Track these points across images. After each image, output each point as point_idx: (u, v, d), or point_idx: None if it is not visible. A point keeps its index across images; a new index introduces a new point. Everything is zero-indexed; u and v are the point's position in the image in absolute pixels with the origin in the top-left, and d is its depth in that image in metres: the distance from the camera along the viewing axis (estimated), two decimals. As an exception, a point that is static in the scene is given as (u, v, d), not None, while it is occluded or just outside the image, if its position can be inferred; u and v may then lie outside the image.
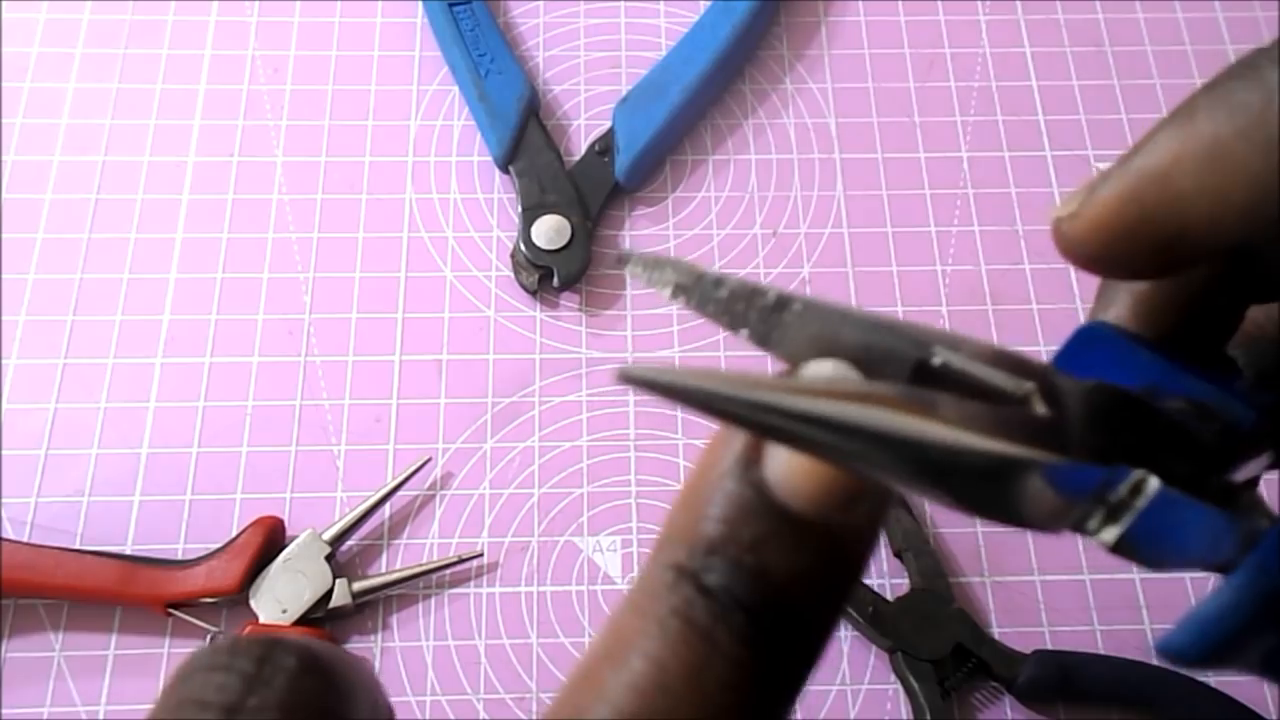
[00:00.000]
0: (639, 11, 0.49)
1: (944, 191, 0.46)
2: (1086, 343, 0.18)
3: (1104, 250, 0.16)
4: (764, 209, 0.45)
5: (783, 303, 0.16)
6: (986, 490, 0.15)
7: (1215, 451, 0.16)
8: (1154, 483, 0.15)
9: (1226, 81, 0.15)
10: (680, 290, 0.17)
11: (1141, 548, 0.15)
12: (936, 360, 0.15)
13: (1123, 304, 0.18)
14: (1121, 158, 0.16)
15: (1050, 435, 0.15)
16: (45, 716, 0.36)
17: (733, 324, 0.17)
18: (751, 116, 0.47)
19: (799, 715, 0.37)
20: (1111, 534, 0.15)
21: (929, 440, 0.14)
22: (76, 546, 0.38)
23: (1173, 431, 0.16)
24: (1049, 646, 0.38)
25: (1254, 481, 0.17)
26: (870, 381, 0.15)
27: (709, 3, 0.47)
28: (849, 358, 0.16)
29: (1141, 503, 0.15)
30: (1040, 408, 0.15)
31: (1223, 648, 0.15)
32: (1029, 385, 0.15)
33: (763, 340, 0.16)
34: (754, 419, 0.15)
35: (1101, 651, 0.38)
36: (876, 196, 0.45)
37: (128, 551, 0.38)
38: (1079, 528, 0.15)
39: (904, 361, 0.16)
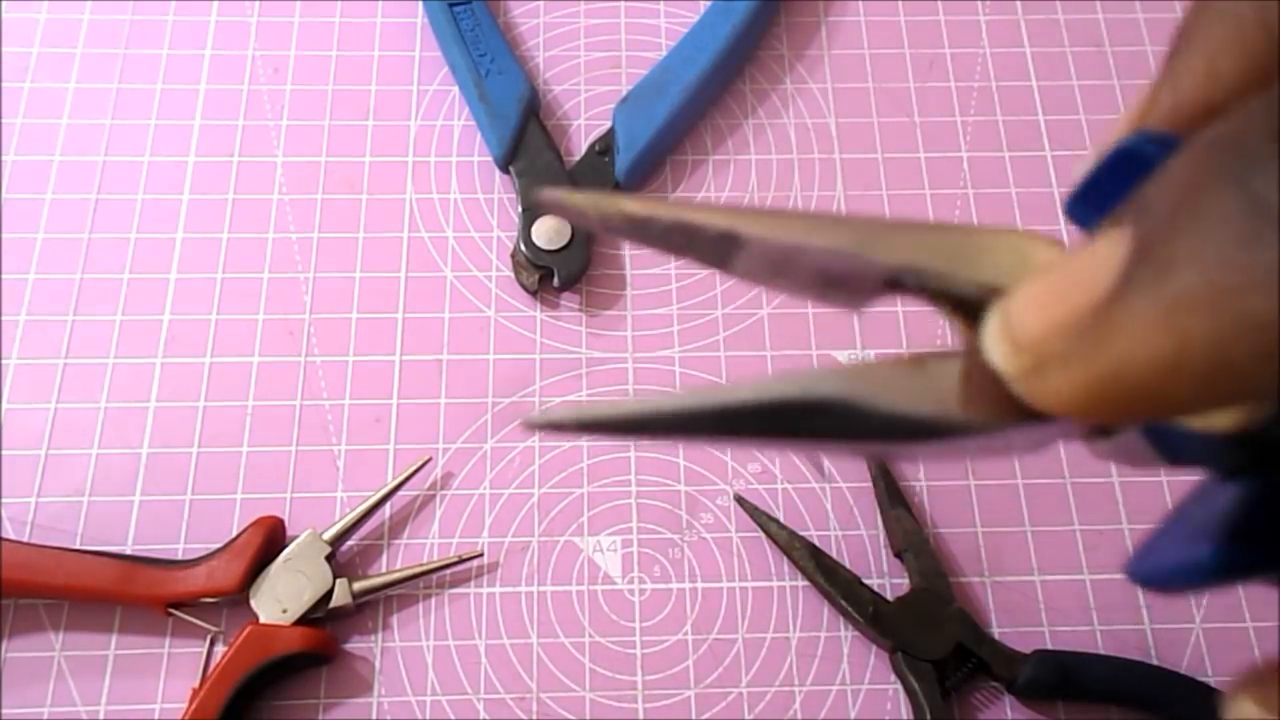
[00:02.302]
0: (639, 11, 0.49)
1: (944, 191, 0.46)
2: (1122, 167, 0.16)
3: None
4: (764, 209, 0.45)
5: (730, 237, 0.16)
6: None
7: None
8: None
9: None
10: (627, 225, 0.17)
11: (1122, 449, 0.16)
12: (902, 275, 0.16)
13: (1190, 83, 0.15)
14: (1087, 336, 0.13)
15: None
16: (45, 716, 0.36)
17: (680, 253, 0.17)
18: (751, 116, 0.47)
19: (798, 715, 0.37)
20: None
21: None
22: (77, 546, 0.38)
23: None
24: (1049, 646, 0.38)
25: None
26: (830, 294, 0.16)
27: (709, 3, 0.47)
28: (811, 273, 0.16)
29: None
30: None
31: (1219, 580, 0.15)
32: (995, 279, 0.15)
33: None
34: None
35: (1101, 651, 0.38)
36: (877, 197, 0.45)
37: (128, 551, 0.38)
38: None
39: (871, 279, 0.16)
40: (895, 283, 0.16)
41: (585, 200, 0.17)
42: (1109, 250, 0.13)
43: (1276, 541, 0.15)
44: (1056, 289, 0.13)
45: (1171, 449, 0.16)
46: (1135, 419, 0.14)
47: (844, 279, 0.16)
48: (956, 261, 0.16)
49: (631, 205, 0.17)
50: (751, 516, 0.39)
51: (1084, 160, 0.17)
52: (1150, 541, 0.17)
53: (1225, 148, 0.12)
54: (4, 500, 0.39)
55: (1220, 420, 0.15)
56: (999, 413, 0.15)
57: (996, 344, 0.14)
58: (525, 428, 0.15)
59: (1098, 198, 0.16)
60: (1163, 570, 0.16)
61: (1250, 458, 0.15)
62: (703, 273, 0.44)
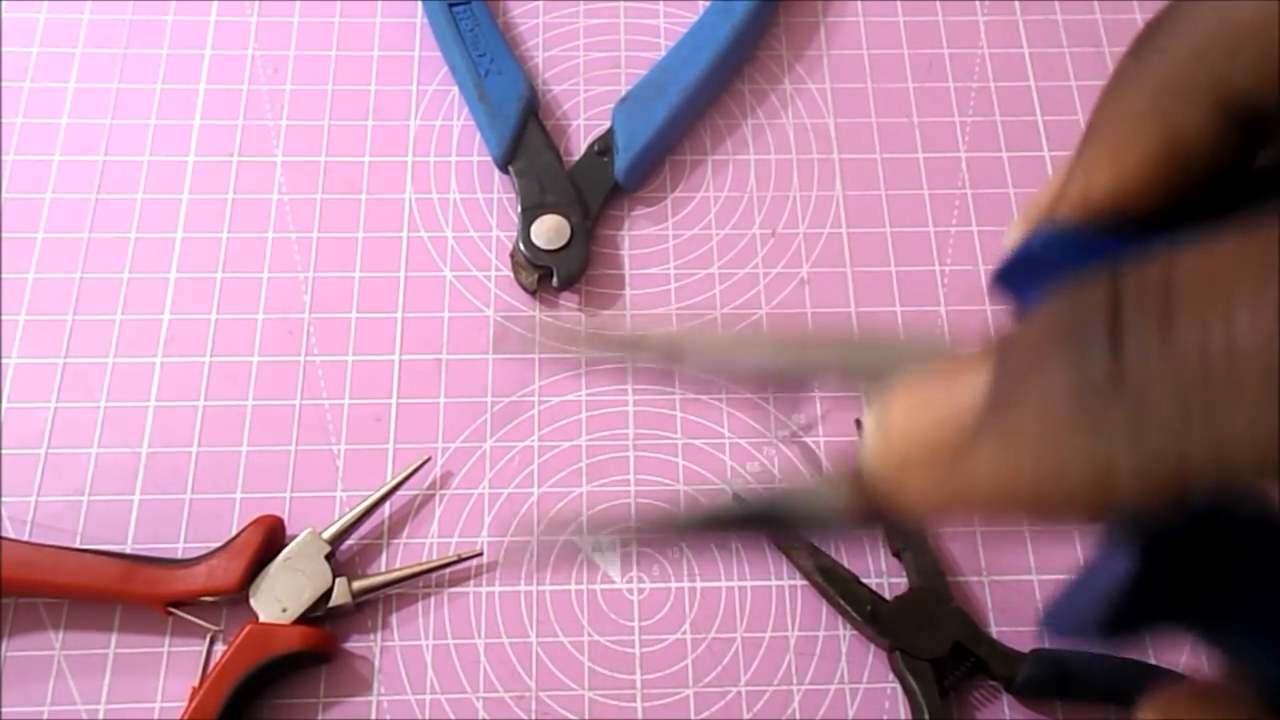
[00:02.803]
0: (638, 12, 0.49)
1: (943, 192, 0.46)
2: (1031, 260, 0.17)
3: None
4: (763, 209, 0.45)
5: (674, 352, 0.20)
6: None
7: None
8: None
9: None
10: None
11: None
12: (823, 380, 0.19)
13: (1096, 178, 0.16)
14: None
15: None
16: (45, 715, 0.37)
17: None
18: (750, 117, 0.47)
19: (797, 714, 0.37)
20: None
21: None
22: (76, 545, 0.38)
23: None
24: (1047, 645, 0.38)
25: None
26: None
27: (708, 3, 0.47)
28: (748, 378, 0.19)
29: None
30: None
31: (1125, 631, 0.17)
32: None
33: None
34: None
35: (1099, 651, 0.38)
36: (875, 197, 0.46)
37: (128, 550, 0.38)
38: None
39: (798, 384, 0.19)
40: (816, 382, 0.19)
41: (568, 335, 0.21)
42: (973, 381, 0.14)
43: (1155, 610, 0.16)
44: (927, 402, 0.15)
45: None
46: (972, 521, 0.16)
47: (776, 385, 0.19)
48: (869, 375, 0.18)
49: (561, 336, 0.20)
50: (750, 516, 0.39)
51: (1009, 230, 0.18)
52: (1063, 597, 0.19)
53: (1070, 320, 0.13)
54: (4, 499, 0.39)
55: None
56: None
57: (871, 439, 0.16)
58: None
59: (1014, 281, 0.17)
60: (1069, 631, 0.18)
61: (1139, 528, 0.17)
62: (702, 273, 0.44)
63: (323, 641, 0.37)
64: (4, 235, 0.44)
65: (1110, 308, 0.12)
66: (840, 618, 0.38)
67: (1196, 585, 0.16)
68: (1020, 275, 0.17)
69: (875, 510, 0.17)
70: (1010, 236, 0.18)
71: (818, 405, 0.42)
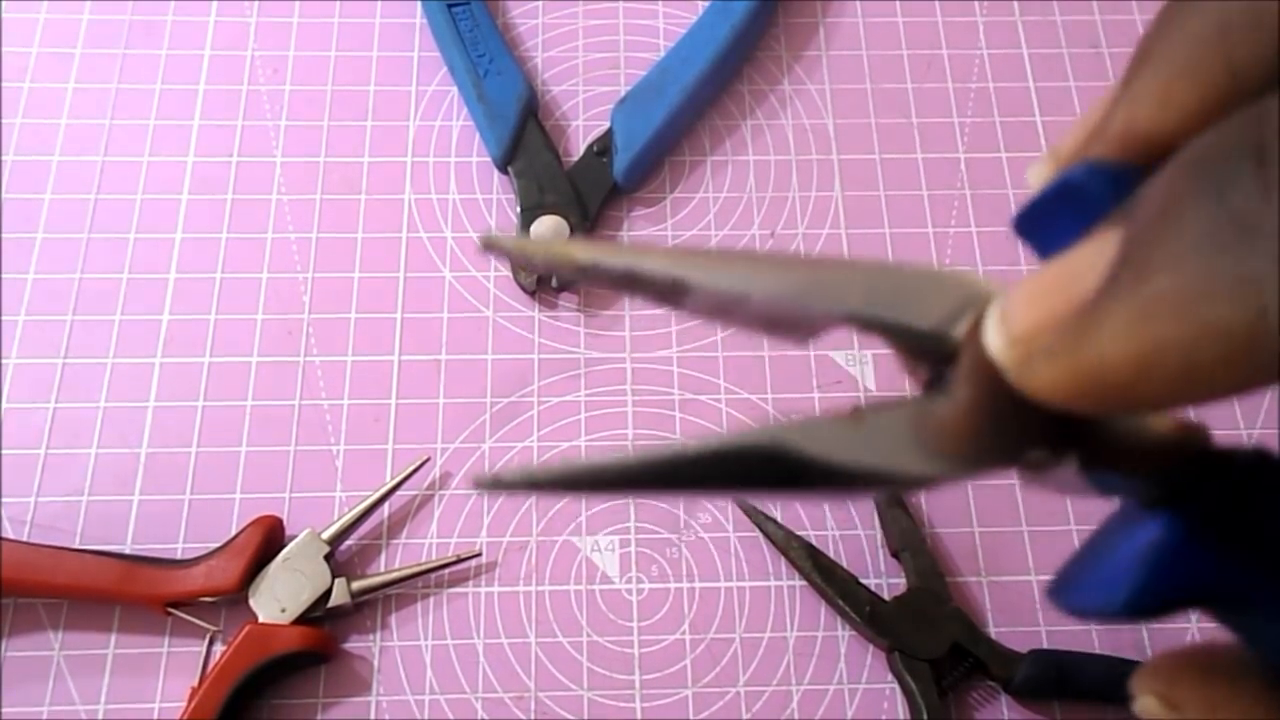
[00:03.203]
0: (637, 12, 0.49)
1: (942, 192, 0.46)
2: (1064, 200, 0.16)
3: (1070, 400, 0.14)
4: (762, 210, 0.45)
5: (678, 285, 0.17)
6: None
7: None
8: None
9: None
10: (580, 270, 0.17)
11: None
12: (854, 320, 0.16)
13: (1143, 113, 0.15)
14: (1074, 313, 0.14)
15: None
16: (45, 716, 0.37)
17: (634, 294, 0.17)
18: (750, 117, 0.47)
19: (795, 715, 0.37)
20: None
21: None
22: (76, 546, 0.38)
23: None
24: (1045, 646, 0.38)
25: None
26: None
27: (707, 4, 0.47)
28: (759, 314, 0.17)
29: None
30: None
31: (1145, 616, 0.16)
32: (946, 314, 0.16)
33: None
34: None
35: (1097, 651, 0.38)
36: (874, 197, 0.46)
37: (127, 551, 0.38)
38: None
39: (823, 316, 0.17)
40: (838, 324, 0.17)
41: (536, 247, 0.17)
42: (1096, 251, 0.13)
43: (1186, 584, 0.15)
44: (1048, 286, 0.14)
45: (1101, 484, 0.16)
46: (1114, 412, 0.14)
47: (788, 322, 0.17)
48: (899, 305, 0.16)
49: (581, 253, 0.17)
50: (749, 516, 0.39)
51: (1035, 165, 0.17)
52: (1074, 569, 0.17)
53: (1207, 160, 0.12)
54: (3, 500, 0.39)
55: (1158, 430, 0.16)
56: (977, 423, 0.15)
57: (993, 336, 0.15)
58: (474, 486, 0.16)
59: (1041, 222, 0.16)
60: (1085, 608, 0.17)
61: (1169, 491, 0.16)
62: (701, 273, 0.44)
63: (322, 642, 0.37)
64: (4, 235, 0.44)
65: (1255, 139, 0.12)
66: (839, 618, 0.38)
67: (1231, 558, 0.15)
68: (1050, 216, 0.16)
69: (992, 424, 0.15)
70: (1037, 174, 0.17)
71: (816, 406, 0.42)
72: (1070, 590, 0.17)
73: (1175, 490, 0.16)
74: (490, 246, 0.17)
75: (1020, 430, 0.15)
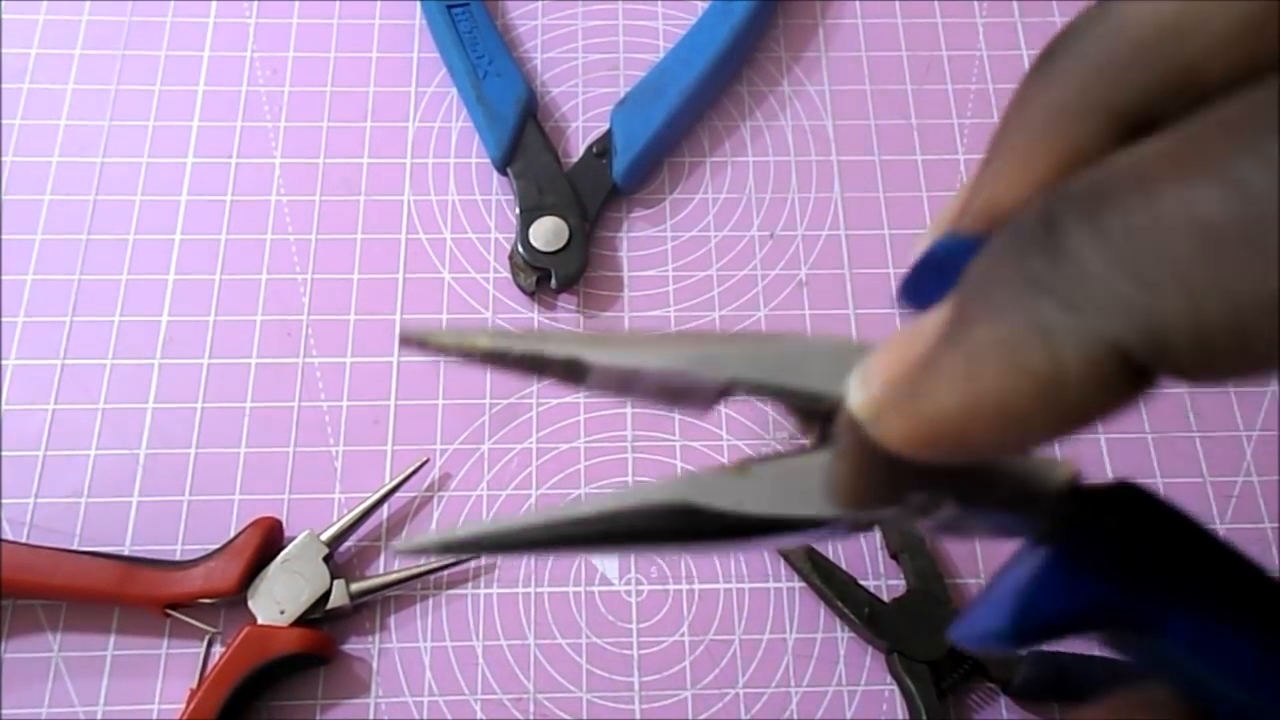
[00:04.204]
0: (637, 13, 0.49)
1: (941, 194, 0.46)
2: (936, 268, 0.18)
3: (916, 451, 0.16)
4: (761, 211, 0.45)
5: (575, 365, 0.18)
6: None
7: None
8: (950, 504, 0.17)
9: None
10: (489, 355, 0.19)
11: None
12: (735, 390, 0.18)
13: (999, 191, 0.17)
14: (908, 369, 0.15)
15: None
16: (44, 717, 0.37)
17: (537, 376, 0.19)
18: (749, 118, 0.47)
19: (795, 716, 0.37)
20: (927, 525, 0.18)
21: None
22: (75, 547, 0.38)
23: None
24: (1044, 647, 0.38)
25: None
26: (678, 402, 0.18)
27: (707, 5, 0.47)
28: (653, 387, 0.18)
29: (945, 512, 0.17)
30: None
31: (1032, 640, 0.17)
32: (832, 387, 0.18)
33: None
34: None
35: (1096, 652, 0.38)
36: (874, 198, 0.46)
37: (126, 552, 0.38)
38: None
39: (708, 390, 0.18)
40: (729, 392, 0.18)
41: (447, 336, 0.18)
42: (940, 313, 0.15)
43: (1064, 611, 0.17)
44: (898, 345, 0.16)
45: (994, 524, 0.18)
46: (959, 458, 0.15)
47: (681, 393, 0.18)
48: (782, 370, 0.18)
49: (485, 341, 0.18)
50: (748, 518, 0.39)
51: (918, 238, 0.19)
52: (971, 605, 0.19)
53: (1015, 229, 0.14)
54: (3, 501, 0.39)
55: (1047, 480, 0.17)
56: (861, 484, 0.17)
57: (854, 393, 0.16)
58: (397, 554, 0.17)
59: (916, 291, 0.18)
60: (973, 637, 0.18)
61: (1050, 527, 0.17)
62: (700, 275, 0.44)
63: (321, 643, 0.37)
64: (3, 236, 0.44)
65: (1047, 210, 0.14)
66: (838, 620, 0.38)
67: (1106, 586, 0.16)
68: (923, 284, 0.18)
69: (868, 472, 0.17)
70: (916, 248, 0.18)
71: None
72: (965, 623, 0.18)
73: (1055, 525, 0.17)
74: (406, 341, 0.18)
75: (897, 477, 0.17)
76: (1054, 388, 0.13)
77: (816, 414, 0.18)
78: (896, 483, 0.17)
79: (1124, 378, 0.13)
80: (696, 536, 0.17)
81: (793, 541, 0.17)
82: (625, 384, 0.18)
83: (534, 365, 0.18)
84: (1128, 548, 0.17)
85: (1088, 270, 0.13)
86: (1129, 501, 0.17)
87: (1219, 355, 0.12)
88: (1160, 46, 0.15)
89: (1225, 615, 0.16)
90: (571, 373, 0.18)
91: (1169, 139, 0.13)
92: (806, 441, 0.19)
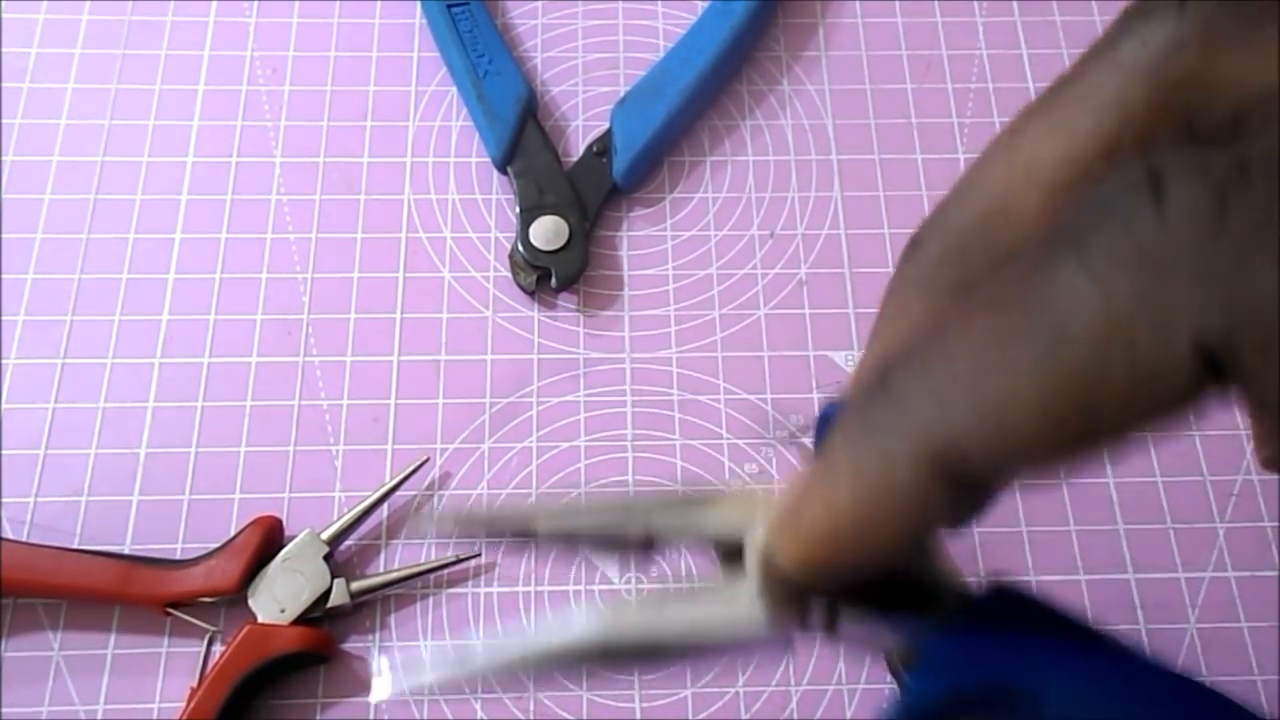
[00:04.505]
0: (637, 13, 0.49)
1: (941, 193, 0.45)
2: (824, 427, 0.22)
3: (816, 577, 0.19)
4: (761, 210, 0.45)
5: (526, 526, 0.22)
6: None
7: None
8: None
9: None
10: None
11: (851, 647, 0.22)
12: (656, 540, 0.22)
13: (873, 353, 0.21)
14: (792, 500, 0.18)
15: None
16: (44, 716, 0.37)
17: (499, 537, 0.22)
18: (749, 118, 0.47)
19: (794, 715, 0.37)
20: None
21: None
22: (75, 546, 0.38)
23: None
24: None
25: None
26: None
27: (707, 4, 0.47)
28: (590, 541, 0.22)
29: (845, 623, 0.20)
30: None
31: None
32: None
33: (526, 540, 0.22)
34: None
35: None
36: (874, 198, 0.46)
37: (126, 551, 0.38)
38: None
39: (634, 537, 0.22)
40: (652, 543, 0.22)
41: (442, 519, 0.23)
42: (814, 465, 0.18)
43: (951, 688, 0.19)
44: (790, 487, 0.19)
45: (887, 629, 0.21)
46: (835, 578, 0.19)
47: (615, 545, 0.22)
48: (694, 523, 0.21)
49: (452, 521, 0.23)
50: (748, 517, 0.39)
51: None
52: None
53: (861, 389, 0.18)
54: (3, 500, 0.39)
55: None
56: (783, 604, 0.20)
57: (764, 532, 0.20)
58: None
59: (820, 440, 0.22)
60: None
61: (938, 626, 0.20)
62: (700, 274, 0.44)
63: (321, 642, 0.37)
64: (3, 235, 0.44)
65: (880, 370, 0.17)
66: (838, 618, 0.38)
67: (988, 664, 0.19)
68: (824, 433, 0.21)
69: (787, 597, 0.20)
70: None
71: (815, 406, 0.42)
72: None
73: (941, 623, 0.20)
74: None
75: (800, 595, 0.20)
76: (891, 497, 0.16)
77: (729, 552, 0.21)
78: (801, 600, 0.20)
79: (947, 485, 0.16)
80: (621, 664, 0.21)
81: (714, 663, 0.20)
82: (567, 542, 0.22)
83: (494, 531, 0.22)
84: (1004, 634, 0.19)
85: (908, 406, 0.16)
86: (1005, 597, 0.20)
87: (1001, 452, 0.15)
88: (984, 235, 0.19)
89: (1095, 679, 0.18)
90: (524, 536, 0.22)
91: (959, 308, 0.16)
92: (720, 577, 0.22)
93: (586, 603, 0.39)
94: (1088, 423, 0.14)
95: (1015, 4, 0.50)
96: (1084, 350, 0.14)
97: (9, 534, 0.39)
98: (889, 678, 0.38)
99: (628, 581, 0.39)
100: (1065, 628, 0.19)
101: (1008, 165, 0.19)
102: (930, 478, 0.16)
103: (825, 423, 0.22)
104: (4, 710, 0.36)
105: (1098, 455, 0.15)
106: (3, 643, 0.37)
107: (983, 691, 0.19)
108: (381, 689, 0.21)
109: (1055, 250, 0.15)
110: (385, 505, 0.39)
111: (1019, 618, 0.19)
